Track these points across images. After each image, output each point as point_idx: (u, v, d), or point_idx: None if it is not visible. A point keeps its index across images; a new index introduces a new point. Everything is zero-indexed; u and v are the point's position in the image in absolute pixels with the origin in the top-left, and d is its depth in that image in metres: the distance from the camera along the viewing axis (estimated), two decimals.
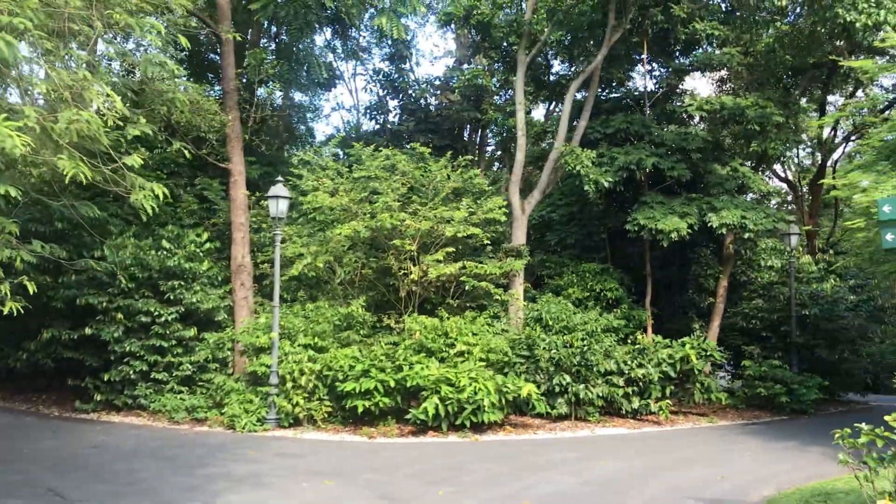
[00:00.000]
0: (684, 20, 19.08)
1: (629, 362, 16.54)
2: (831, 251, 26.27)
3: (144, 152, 9.85)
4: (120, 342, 15.52)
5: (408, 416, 14.06)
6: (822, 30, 15.90)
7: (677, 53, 21.94)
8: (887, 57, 23.05)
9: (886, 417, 6.38)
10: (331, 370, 14.60)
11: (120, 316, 15.56)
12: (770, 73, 21.89)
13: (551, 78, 25.21)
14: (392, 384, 14.10)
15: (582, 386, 15.92)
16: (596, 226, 21.60)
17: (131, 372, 15.54)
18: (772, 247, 20.86)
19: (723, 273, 21.50)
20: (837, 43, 19.24)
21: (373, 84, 28.18)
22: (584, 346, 16.29)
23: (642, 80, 22.18)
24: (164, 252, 15.96)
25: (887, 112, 22.70)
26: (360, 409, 14.09)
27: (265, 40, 23.80)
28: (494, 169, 29.58)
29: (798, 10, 15.74)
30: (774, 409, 19.24)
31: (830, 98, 26.63)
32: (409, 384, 14.07)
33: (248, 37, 21.94)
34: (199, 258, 16.53)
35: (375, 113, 27.92)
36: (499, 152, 30.58)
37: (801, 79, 21.85)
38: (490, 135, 28.80)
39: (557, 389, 15.79)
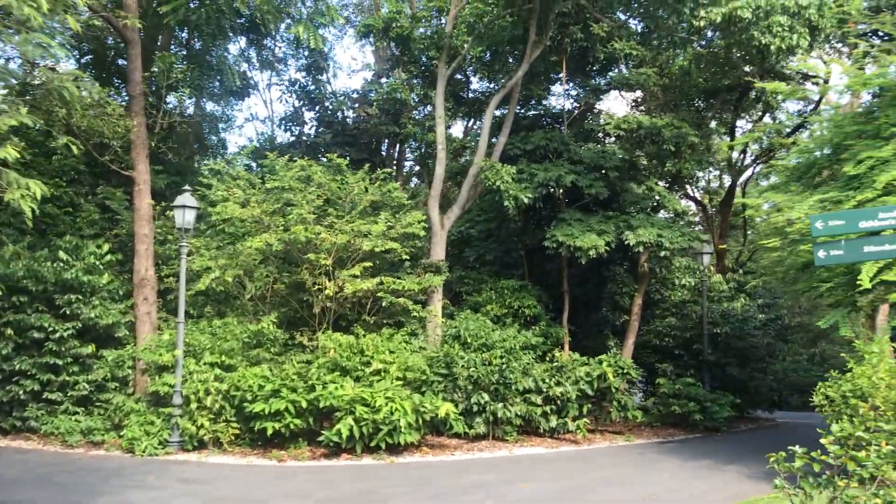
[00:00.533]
0: (603, 39, 19.30)
1: (547, 380, 16.39)
2: (740, 271, 26.99)
3: (19, 143, 8.94)
4: (9, 360, 14.44)
5: (320, 438, 13.46)
6: (738, 52, 16.24)
7: (595, 73, 22.19)
8: (797, 80, 23.93)
9: (823, 441, 6.26)
10: (239, 390, 13.88)
11: (10, 331, 14.48)
12: (684, 95, 22.39)
13: (470, 94, 25.15)
14: (304, 405, 13.50)
15: (500, 405, 15.65)
16: (514, 242, 21.50)
17: (21, 392, 14.47)
18: (686, 265, 21.20)
19: (638, 291, 21.70)
20: (747, 69, 19.78)
21: (288, 95, 27.52)
22: (503, 363, 16.06)
23: (561, 98, 22.31)
24: (61, 264, 14.95)
25: (794, 135, 23.52)
26: (270, 431, 13.43)
27: (177, 48, 22.92)
28: (413, 184, 29.27)
29: (715, 32, 16.01)
30: (688, 426, 19.44)
31: (740, 123, 27.47)
32: (322, 405, 13.49)
33: (159, 42, 21.05)
34: (99, 271, 15.57)
35: (291, 124, 27.23)
36: (417, 167, 30.31)
37: (713, 101, 22.40)
38: (408, 150, 28.50)
39: (475, 409, 15.48)
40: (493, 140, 19.70)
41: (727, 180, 31.01)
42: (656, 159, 20.86)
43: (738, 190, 28.20)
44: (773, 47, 14.57)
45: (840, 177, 13.53)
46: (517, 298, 19.25)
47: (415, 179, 31.11)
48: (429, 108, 25.57)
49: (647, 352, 23.28)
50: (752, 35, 14.56)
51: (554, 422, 16.35)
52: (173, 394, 13.88)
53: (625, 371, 17.20)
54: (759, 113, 26.39)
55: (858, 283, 10.29)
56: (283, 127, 27.71)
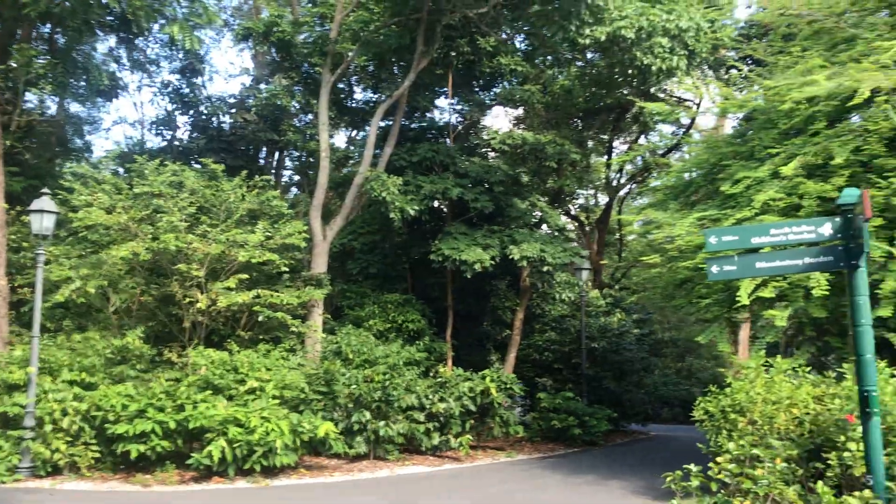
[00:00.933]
0: (490, 54, 19.31)
1: (431, 396, 16.07)
2: (616, 286, 27.72)
3: None
4: None
5: (190, 461, 12.55)
6: (620, 72, 16.59)
7: (481, 87, 22.21)
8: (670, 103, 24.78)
9: (719, 459, 6.19)
10: (100, 410, 12.77)
11: None
12: (565, 114, 22.80)
13: (354, 104, 24.70)
14: (172, 426, 12.56)
15: (382, 423, 15.18)
16: (399, 256, 21.15)
17: None
18: (566, 280, 21.48)
19: (520, 306, 21.81)
20: (626, 91, 20.29)
21: (161, 98, 26.16)
22: (386, 380, 15.63)
23: (447, 112, 22.21)
24: None
25: (667, 156, 24.41)
26: (135, 454, 12.42)
27: (39, 43, 21.27)
28: (292, 194, 28.41)
29: (597, 52, 16.29)
30: (567, 440, 19.58)
31: (616, 143, 28.27)
32: (192, 425, 12.60)
33: (18, 35, 19.44)
34: None
35: (163, 128, 25.81)
36: (297, 177, 29.47)
37: (593, 121, 22.91)
38: (288, 158, 27.68)
39: (356, 427, 14.94)
40: (378, 151, 19.32)
41: (603, 199, 31.99)
42: (538, 176, 21.06)
43: (615, 208, 29.02)
44: (654, 68, 14.94)
45: (716, 196, 13.94)
46: (401, 313, 18.88)
47: (294, 189, 30.24)
48: (310, 116, 24.90)
49: (527, 366, 23.43)
50: (635, 55, 14.89)
51: (436, 439, 16.03)
52: (25, 415, 12.62)
53: (508, 386, 17.12)
54: (635, 134, 27.25)
55: (738, 298, 10.51)
56: (154, 131, 26.24)
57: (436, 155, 18.65)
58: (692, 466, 6.33)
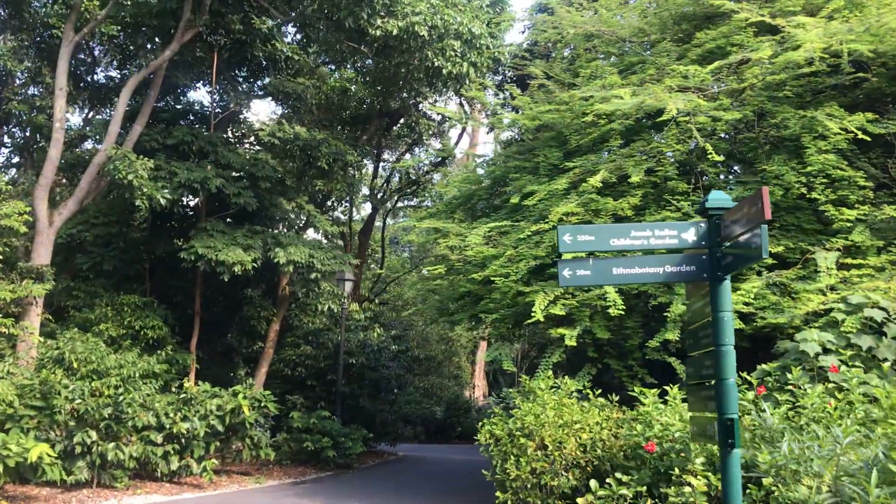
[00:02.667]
0: (265, 37, 17.76)
1: (172, 415, 14.12)
2: (376, 300, 27.04)
3: None
4: None
5: None
6: (406, 72, 15.90)
7: (248, 76, 20.49)
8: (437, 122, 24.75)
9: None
10: None
11: None
12: (337, 117, 21.78)
13: (97, 78, 21.81)
14: None
15: (112, 444, 13.03)
16: (139, 252, 18.70)
17: None
18: (329, 291, 20.33)
19: (276, 316, 20.30)
20: (408, 94, 19.74)
21: None
22: (119, 394, 13.49)
23: (208, 96, 20.17)
24: None
25: (438, 169, 24.28)
26: None
27: None
28: (12, 174, 24.42)
29: (383, 48, 15.46)
30: (319, 463, 18.41)
31: (384, 155, 27.78)
32: None
33: None
34: None
35: None
36: (16, 158, 25.43)
37: (366, 127, 22.10)
38: (7, 135, 23.75)
39: (79, 450, 12.67)
40: (124, 132, 16.95)
41: (361, 211, 31.39)
42: (305, 177, 19.79)
43: (379, 220, 28.43)
44: (444, 71, 14.45)
45: (502, 208, 13.67)
46: (139, 318, 16.58)
47: (12, 171, 26.09)
48: (40, 88, 21.55)
49: (277, 382, 21.84)
50: (427, 55, 14.29)
51: (176, 464, 14.09)
52: None
53: (262, 404, 15.58)
54: (406, 145, 26.90)
55: (532, 314, 10.08)
56: None
57: (195, 140, 16.66)
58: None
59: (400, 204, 29.83)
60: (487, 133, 24.58)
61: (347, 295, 20.97)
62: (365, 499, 13.62)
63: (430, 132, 23.41)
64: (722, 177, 11.87)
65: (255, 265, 15.97)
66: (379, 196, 26.09)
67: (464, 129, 28.62)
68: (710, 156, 9.94)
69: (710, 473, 6.73)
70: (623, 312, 9.93)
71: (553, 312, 10.43)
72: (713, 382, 5.47)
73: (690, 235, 5.49)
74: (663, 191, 11.25)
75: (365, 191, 24.63)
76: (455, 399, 36.34)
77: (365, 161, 23.18)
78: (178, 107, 19.67)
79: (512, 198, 12.36)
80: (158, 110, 18.04)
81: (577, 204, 10.58)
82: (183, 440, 14.25)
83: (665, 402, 9.24)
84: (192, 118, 19.20)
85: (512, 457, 9.70)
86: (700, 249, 5.52)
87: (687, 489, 6.10)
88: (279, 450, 18.25)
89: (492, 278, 10.89)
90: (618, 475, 8.18)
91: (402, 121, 24.01)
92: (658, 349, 11.06)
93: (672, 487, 6.36)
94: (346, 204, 24.94)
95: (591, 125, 12.01)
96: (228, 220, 18.04)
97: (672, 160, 11.01)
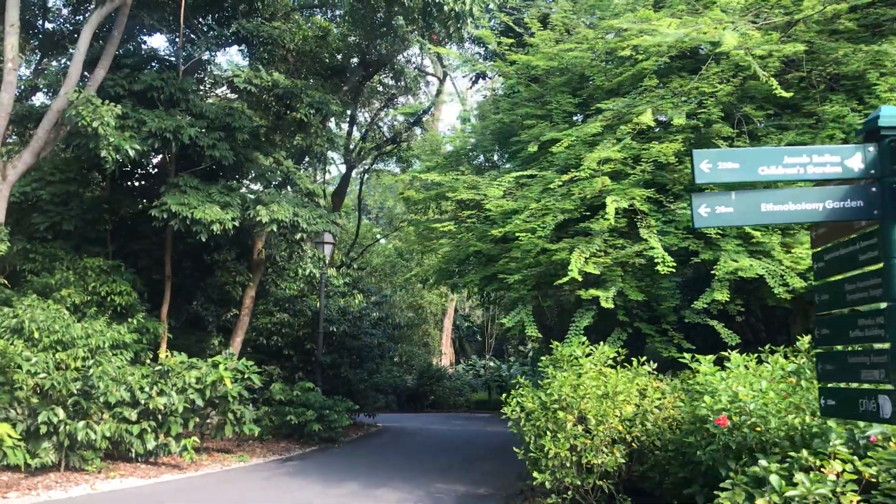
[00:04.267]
0: None
1: (147, 389, 12.87)
2: (354, 266, 25.78)
3: None
4: None
5: None
6: (402, 9, 14.52)
7: (218, 18, 18.86)
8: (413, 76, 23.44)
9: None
10: None
11: None
12: (315, 66, 20.34)
13: (49, 24, 20.06)
14: None
15: (81, 423, 11.76)
16: (102, 211, 17.18)
17: None
18: (310, 255, 19.07)
19: (251, 282, 18.99)
20: (399, 36, 18.35)
21: None
22: (87, 367, 12.20)
23: (176, 41, 18.46)
24: None
25: (416, 125, 23.01)
26: None
27: None
28: None
29: None
30: (303, 438, 17.32)
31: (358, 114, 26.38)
32: None
33: None
34: None
35: None
36: None
37: (343, 81, 20.71)
38: None
39: (44, 430, 11.38)
40: (85, 76, 15.38)
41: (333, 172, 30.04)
42: (284, 130, 18.38)
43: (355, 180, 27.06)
44: (446, 8, 13.16)
45: (514, 159, 12.61)
46: (105, 283, 15.18)
47: None
48: None
49: (251, 352, 20.57)
50: None
51: (152, 442, 12.87)
52: None
53: (245, 376, 14.38)
54: (383, 101, 25.53)
55: (569, 271, 9.03)
56: None
57: (164, 86, 15.14)
58: None
59: (377, 166, 28.48)
60: (471, 87, 23.29)
61: (328, 259, 19.73)
62: (363, 477, 12.57)
63: (417, 83, 22.10)
64: (762, 124, 10.86)
65: (234, 224, 14.64)
66: (355, 154, 24.70)
67: (442, 84, 27.31)
68: (776, 91, 8.91)
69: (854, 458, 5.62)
70: (673, 270, 8.93)
71: (587, 271, 9.40)
72: (878, 346, 4.46)
73: (856, 162, 4.45)
74: (704, 136, 10.23)
75: (334, 153, 23.19)
76: (427, 367, 35.51)
77: (346, 113, 21.71)
78: (143, 53, 18.02)
79: (529, 146, 11.25)
80: (121, 57, 16.42)
81: (618, 148, 9.48)
82: (160, 416, 13.03)
83: (723, 369, 8.30)
84: (156, 65, 17.57)
85: (548, 432, 8.69)
86: (868, 179, 4.50)
87: (831, 477, 5.11)
88: (259, 424, 17.06)
89: (516, 234, 9.80)
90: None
91: (382, 72, 22.67)
92: (699, 312, 10.14)
93: (809, 473, 5.35)
94: (319, 162, 23.49)
95: (620, 64, 10.93)
96: (209, 173, 16.62)
97: (717, 102, 9.96)
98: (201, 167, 16.11)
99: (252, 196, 15.33)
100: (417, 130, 27.77)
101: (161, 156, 17.56)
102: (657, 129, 10.23)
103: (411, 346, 36.94)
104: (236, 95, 17.55)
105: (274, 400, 17.65)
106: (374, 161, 25.96)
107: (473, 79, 22.51)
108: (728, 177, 4.50)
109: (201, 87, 19.68)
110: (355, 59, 20.04)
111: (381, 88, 23.81)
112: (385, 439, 19.43)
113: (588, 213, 10.19)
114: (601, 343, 9.78)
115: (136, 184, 19.32)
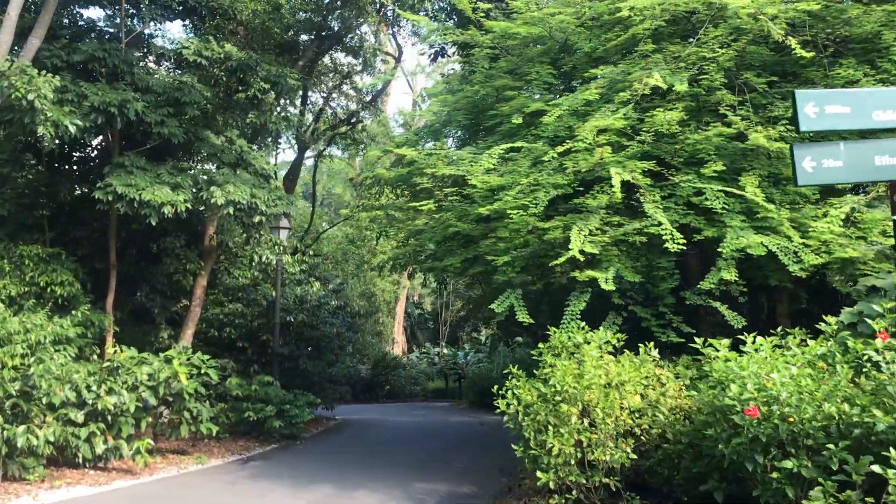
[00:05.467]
0: None
1: (95, 387, 11.81)
2: (310, 252, 24.74)
3: None
4: None
5: None
6: None
7: None
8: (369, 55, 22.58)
9: None
10: None
11: None
12: (266, 41, 19.24)
13: None
14: None
15: (22, 428, 10.67)
16: (37, 197, 15.91)
17: None
18: (268, 240, 18.04)
19: (203, 270, 17.87)
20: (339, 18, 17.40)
21: None
22: (27, 366, 11.12)
23: (117, 11, 17.14)
24: None
25: (373, 103, 22.06)
26: None
27: None
28: None
29: None
30: (262, 435, 16.38)
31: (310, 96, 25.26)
32: None
33: None
34: None
35: None
36: None
37: (302, 53, 19.67)
38: None
39: None
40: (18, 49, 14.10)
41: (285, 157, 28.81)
42: (236, 107, 17.27)
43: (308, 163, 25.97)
44: None
45: (491, 134, 11.89)
46: (44, 272, 14.00)
47: None
48: None
49: (202, 345, 19.41)
50: None
51: (101, 446, 11.80)
52: None
53: (202, 371, 13.40)
54: (331, 84, 24.46)
55: (570, 250, 8.33)
56: None
57: (107, 57, 13.96)
58: None
59: (329, 150, 27.36)
60: (429, 64, 22.46)
61: (285, 245, 18.73)
62: (334, 478, 11.74)
63: (375, 56, 21.16)
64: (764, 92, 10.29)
65: (187, 206, 13.58)
66: (308, 134, 23.56)
67: (398, 63, 26.35)
68: (795, 51, 8.31)
69: None
70: (684, 247, 8.30)
71: (584, 250, 8.72)
72: None
73: None
74: (704, 104, 9.63)
75: (289, 132, 21.91)
76: (382, 357, 34.79)
77: (299, 93, 20.61)
78: (81, 25, 16.71)
79: (512, 118, 10.50)
80: (57, 27, 15.15)
81: (620, 115, 8.79)
82: (109, 417, 11.99)
83: (741, 354, 7.70)
84: (95, 37, 16.28)
85: (550, 427, 8.00)
86: None
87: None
88: (215, 421, 16.05)
89: (508, 212, 9.05)
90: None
91: (337, 48, 21.64)
92: (699, 293, 9.56)
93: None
94: (273, 142, 22.30)
95: (609, 30, 10.25)
96: (155, 153, 15.46)
97: (718, 67, 9.34)
98: (148, 147, 14.96)
99: (205, 177, 14.26)
100: (368, 119, 26.88)
101: (102, 136, 16.33)
102: (654, 98, 9.58)
103: (364, 334, 36.17)
104: (182, 72, 16.38)
105: (230, 395, 16.64)
106: (328, 144, 24.88)
107: (433, 56, 21.70)
108: (837, 123, 3.83)
109: (145, 62, 18.42)
110: (307, 36, 18.96)
111: (335, 66, 22.76)
112: (349, 434, 18.60)
113: (581, 189, 9.50)
114: (596, 329, 9.13)
115: (76, 166, 18.03)
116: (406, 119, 14.64)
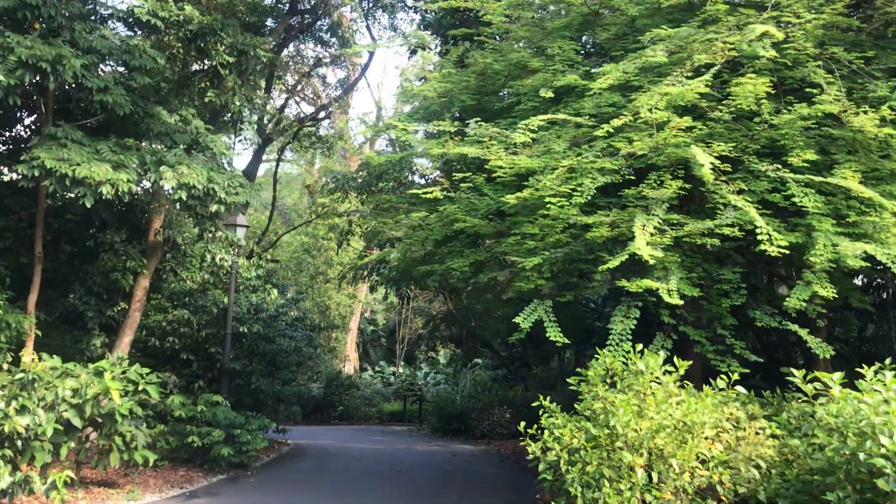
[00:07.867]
0: None
1: (2, 405, 9.64)
2: (267, 256, 22.59)
3: None
4: None
5: None
6: None
7: None
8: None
9: None
10: None
11: None
12: (234, 9, 17.24)
13: None
14: None
15: None
16: None
17: None
18: (222, 238, 15.93)
19: (146, 269, 15.69)
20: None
21: None
22: None
23: None
24: None
25: (348, 95, 20.14)
26: None
27: None
28: None
29: None
30: (208, 464, 14.23)
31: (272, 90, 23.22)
32: None
33: None
34: None
35: None
36: None
37: (275, 28, 17.71)
38: None
39: None
40: None
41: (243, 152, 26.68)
42: (192, 82, 15.23)
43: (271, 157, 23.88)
44: None
45: (504, 114, 10.13)
46: None
47: None
48: None
49: (140, 356, 17.14)
50: None
51: (7, 479, 9.62)
52: None
53: (139, 388, 11.26)
54: (310, 65, 22.49)
55: (634, 250, 6.56)
56: None
57: (43, 5, 11.81)
58: None
59: (286, 155, 25.30)
60: (409, 58, 20.66)
61: (243, 244, 16.64)
62: None
63: (354, 37, 19.28)
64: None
65: (131, 186, 11.44)
66: (272, 125, 21.50)
67: (370, 59, 24.51)
68: None
69: None
70: (787, 251, 6.57)
71: (638, 254, 6.93)
72: None
73: None
74: (783, 81, 7.95)
75: (253, 117, 19.66)
76: (336, 375, 32.58)
77: (264, 73, 18.53)
78: None
79: (541, 91, 8.69)
80: None
81: (704, 80, 7.02)
82: (19, 442, 9.81)
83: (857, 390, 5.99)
84: None
85: (605, 481, 6.15)
86: None
87: None
88: (152, 447, 13.82)
89: (546, 200, 7.22)
90: None
91: (305, 35, 19.74)
92: (773, 313, 7.83)
93: None
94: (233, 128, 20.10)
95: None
96: (95, 126, 13.30)
97: (805, 36, 7.68)
98: (88, 123, 12.78)
99: (153, 156, 12.14)
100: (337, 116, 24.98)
101: (34, 106, 14.11)
102: (724, 73, 7.86)
103: (321, 350, 34.10)
104: (134, 35, 14.27)
105: (171, 416, 14.43)
106: (293, 138, 22.78)
107: (411, 51, 20.12)
108: None
109: (112, 13, 16.24)
110: (273, 22, 16.99)
111: (302, 57, 20.82)
112: (306, 463, 16.48)
113: (634, 178, 7.74)
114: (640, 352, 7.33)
115: (4, 146, 15.77)
116: (409, 92, 12.69)
